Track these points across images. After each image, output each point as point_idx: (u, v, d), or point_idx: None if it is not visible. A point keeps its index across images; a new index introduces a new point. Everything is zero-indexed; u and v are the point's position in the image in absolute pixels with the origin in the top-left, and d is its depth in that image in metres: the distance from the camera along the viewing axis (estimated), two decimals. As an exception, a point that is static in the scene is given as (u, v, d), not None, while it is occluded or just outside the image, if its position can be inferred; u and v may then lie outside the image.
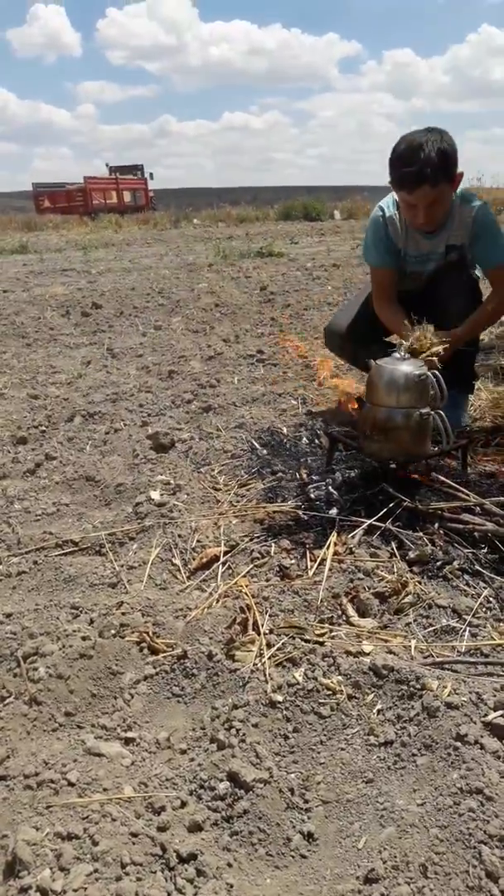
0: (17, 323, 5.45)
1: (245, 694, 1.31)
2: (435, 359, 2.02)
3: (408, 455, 1.97)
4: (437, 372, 1.96)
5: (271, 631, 1.48)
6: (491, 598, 1.57)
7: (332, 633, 1.48)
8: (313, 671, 1.35)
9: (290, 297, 6.08)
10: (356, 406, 2.14)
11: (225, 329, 4.86)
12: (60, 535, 2.00)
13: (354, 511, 1.90)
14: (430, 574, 1.66)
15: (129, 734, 1.28)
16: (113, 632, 1.51)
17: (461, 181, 2.26)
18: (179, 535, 1.93)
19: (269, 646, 1.43)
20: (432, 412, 1.94)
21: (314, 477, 2.15)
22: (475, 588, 1.61)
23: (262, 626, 1.49)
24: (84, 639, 1.47)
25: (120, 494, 2.26)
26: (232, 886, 0.98)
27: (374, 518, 1.83)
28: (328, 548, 1.75)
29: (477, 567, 1.66)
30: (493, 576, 1.63)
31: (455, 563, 1.67)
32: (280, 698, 1.29)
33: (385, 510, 1.84)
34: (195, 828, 1.08)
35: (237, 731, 1.22)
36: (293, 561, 1.75)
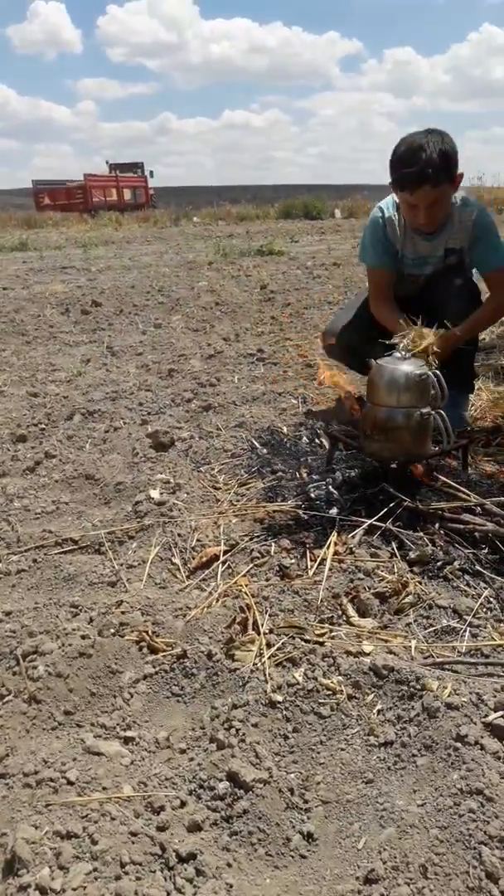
0: (17, 321, 5.45)
1: (245, 694, 1.31)
2: (433, 357, 2.02)
3: (408, 455, 1.97)
4: (437, 371, 1.96)
5: (271, 631, 1.48)
6: (491, 599, 1.57)
7: (333, 633, 1.48)
8: (313, 671, 1.34)
9: (290, 295, 6.08)
10: (357, 406, 2.14)
11: (225, 328, 4.85)
12: (60, 534, 2.00)
13: (355, 511, 1.90)
14: (430, 574, 1.65)
15: (129, 733, 1.28)
16: (112, 631, 1.51)
17: (461, 182, 2.27)
18: (179, 534, 1.93)
19: (268, 645, 1.43)
20: (433, 412, 1.94)
21: (314, 476, 2.15)
22: (476, 588, 1.61)
23: (262, 625, 1.49)
24: (83, 637, 1.47)
25: (119, 493, 2.26)
26: (231, 886, 0.98)
27: (375, 518, 1.82)
28: (328, 547, 1.75)
29: (477, 567, 1.66)
30: (493, 576, 1.63)
31: (456, 564, 1.67)
32: (280, 698, 1.29)
33: (385, 510, 1.84)
34: (195, 827, 1.07)
35: (237, 730, 1.22)
36: (293, 560, 1.75)
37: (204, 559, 1.82)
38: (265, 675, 1.34)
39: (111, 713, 1.33)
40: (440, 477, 1.95)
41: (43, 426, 2.98)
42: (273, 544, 1.83)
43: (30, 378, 3.82)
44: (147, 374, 3.76)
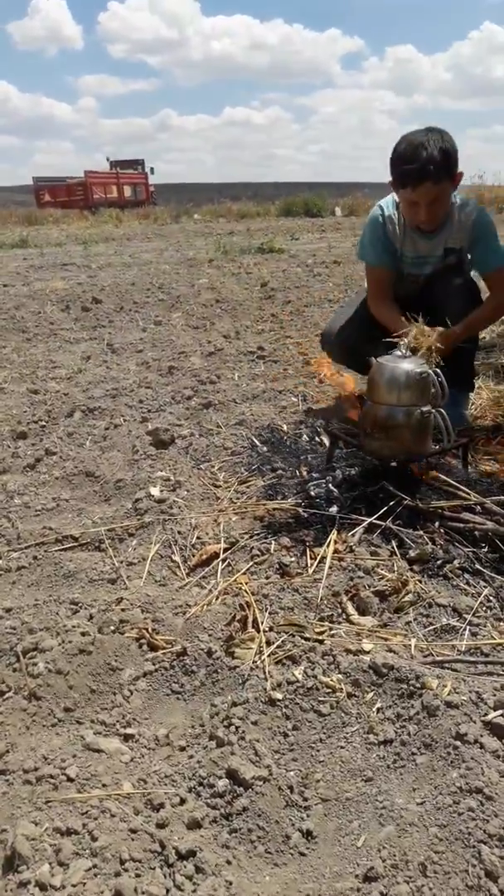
0: (17, 317, 5.44)
1: (244, 691, 1.31)
2: (435, 354, 2.02)
3: (409, 453, 1.97)
4: (438, 370, 1.96)
5: (271, 628, 1.48)
6: (491, 598, 1.57)
7: (332, 632, 1.48)
8: (313, 669, 1.35)
9: (290, 293, 6.07)
10: (357, 404, 2.14)
11: (225, 325, 4.85)
12: (60, 531, 2.00)
13: (355, 509, 1.90)
14: (430, 573, 1.66)
15: (129, 730, 1.28)
16: (112, 628, 1.51)
17: (461, 181, 2.28)
18: (179, 532, 1.93)
19: (268, 643, 1.43)
20: (433, 410, 1.93)
21: (314, 474, 2.15)
22: (475, 587, 1.61)
23: (262, 623, 1.49)
24: (83, 634, 1.47)
25: (119, 490, 2.25)
26: (231, 884, 0.98)
27: (375, 516, 1.82)
28: (328, 546, 1.75)
29: (477, 566, 1.66)
30: (493, 575, 1.63)
31: (455, 562, 1.67)
32: (279, 696, 1.29)
33: (385, 508, 1.84)
34: (194, 825, 1.08)
35: (236, 728, 1.22)
36: (293, 558, 1.75)
37: (204, 557, 1.82)
38: (265, 672, 1.35)
39: (111, 710, 1.33)
40: (440, 475, 1.95)
41: (43, 423, 2.98)
42: (273, 542, 1.83)
43: (30, 375, 3.81)
44: (147, 372, 3.75)
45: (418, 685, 1.27)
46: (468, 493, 1.86)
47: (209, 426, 2.78)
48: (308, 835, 1.07)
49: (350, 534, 1.80)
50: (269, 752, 1.19)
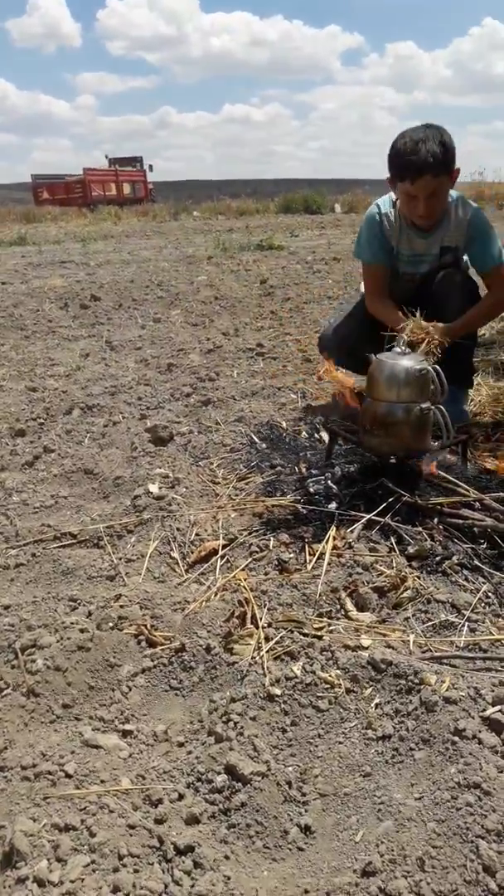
0: (16, 315, 5.43)
1: (243, 687, 1.31)
2: (431, 346, 2.02)
3: (408, 450, 1.97)
4: (437, 367, 1.96)
5: (270, 624, 1.48)
6: (490, 594, 1.57)
7: (331, 627, 1.48)
8: (311, 665, 1.35)
9: (290, 290, 6.07)
10: (357, 401, 2.13)
11: (224, 322, 4.84)
12: (59, 528, 2.00)
13: (354, 505, 1.90)
14: (429, 569, 1.66)
15: (127, 726, 1.28)
16: (111, 624, 1.51)
17: (458, 177, 2.31)
18: (178, 529, 1.93)
19: (267, 639, 1.43)
20: (433, 407, 1.93)
21: (313, 471, 2.15)
22: (474, 583, 1.61)
23: (261, 619, 1.49)
24: (82, 631, 1.47)
25: (118, 487, 2.25)
26: (229, 878, 0.98)
27: (374, 513, 1.82)
28: (327, 542, 1.75)
29: (476, 562, 1.66)
30: (492, 571, 1.63)
31: (454, 559, 1.67)
32: (278, 692, 1.29)
33: (384, 505, 1.84)
34: (192, 820, 1.08)
35: (235, 724, 1.22)
36: (292, 555, 1.75)
37: (203, 553, 1.82)
38: (263, 668, 1.35)
39: (109, 706, 1.33)
40: (439, 472, 1.95)
41: (42, 421, 2.97)
42: (272, 538, 1.83)
43: (28, 372, 3.81)
44: (146, 369, 3.75)
45: (417, 681, 1.27)
46: (467, 490, 1.86)
47: (208, 423, 2.78)
48: (306, 830, 1.07)
49: (349, 530, 1.80)
50: (267, 747, 1.19)
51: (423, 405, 1.92)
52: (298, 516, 1.92)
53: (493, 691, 1.23)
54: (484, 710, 1.19)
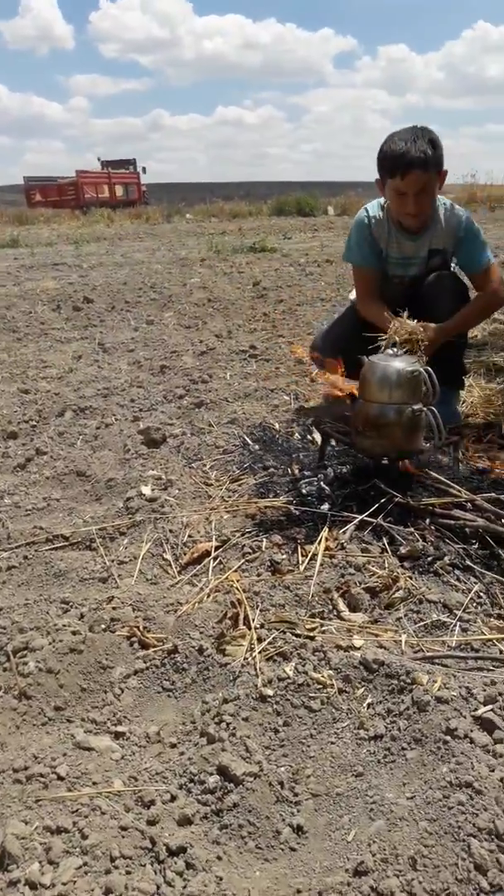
0: (8, 317, 5.42)
1: (235, 688, 1.31)
2: (421, 347, 2.03)
3: (400, 451, 1.98)
4: (429, 368, 1.96)
5: (262, 625, 1.48)
6: (481, 594, 1.58)
7: (323, 628, 1.48)
8: (304, 665, 1.35)
9: (282, 292, 6.08)
10: (348, 401, 2.14)
11: (217, 324, 4.85)
12: (51, 530, 1.99)
13: (346, 506, 1.91)
14: (420, 569, 1.66)
15: (119, 728, 1.28)
16: (103, 626, 1.51)
17: (445, 179, 2.35)
18: (170, 531, 1.93)
19: (259, 640, 1.43)
20: (424, 408, 1.94)
21: (306, 472, 2.15)
22: (466, 583, 1.61)
23: (253, 620, 1.49)
24: (74, 633, 1.47)
25: (111, 489, 2.25)
26: (221, 879, 0.98)
27: (366, 513, 1.83)
28: (319, 543, 1.75)
29: (467, 562, 1.67)
30: (483, 571, 1.64)
31: (446, 559, 1.68)
32: (270, 692, 1.29)
33: (377, 506, 1.84)
34: (185, 821, 1.08)
35: (227, 724, 1.22)
36: (284, 556, 1.75)
37: (195, 555, 1.82)
38: (256, 669, 1.35)
39: (102, 708, 1.33)
40: (431, 473, 1.96)
41: (34, 423, 2.97)
42: (264, 540, 1.83)
43: (21, 375, 3.80)
44: (139, 371, 3.75)
45: (409, 681, 1.27)
46: (459, 491, 1.87)
47: (201, 425, 2.78)
48: (298, 830, 1.07)
49: (341, 531, 1.80)
50: (259, 748, 1.19)
51: (415, 406, 1.92)
52: (291, 517, 1.93)
53: (484, 690, 1.23)
54: (475, 710, 1.19)
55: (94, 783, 1.14)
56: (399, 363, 1.94)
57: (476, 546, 1.72)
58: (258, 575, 1.69)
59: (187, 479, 2.26)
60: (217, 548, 1.83)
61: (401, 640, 1.43)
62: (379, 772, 1.14)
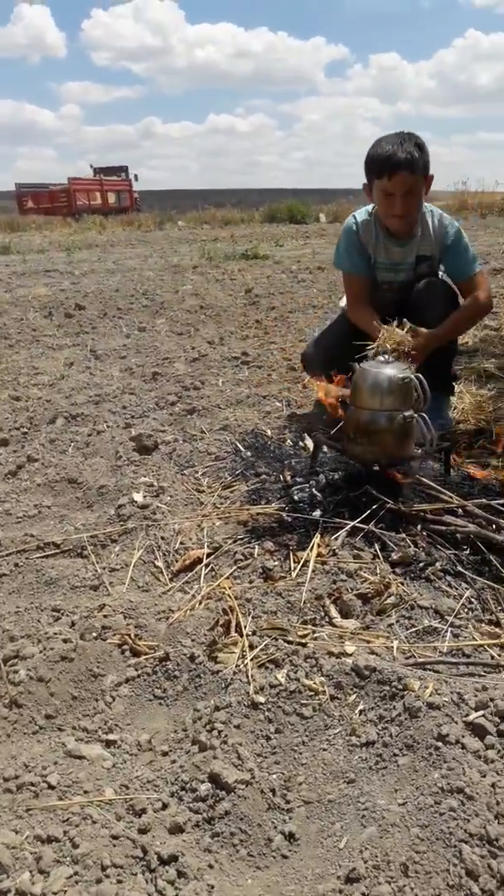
0: (0, 324, 5.41)
1: (227, 695, 1.31)
2: (405, 350, 2.04)
3: (391, 457, 1.98)
4: (420, 375, 1.97)
5: (254, 632, 1.48)
6: (473, 599, 1.58)
7: (315, 635, 1.48)
8: (296, 672, 1.35)
9: (274, 299, 6.09)
10: (340, 409, 2.15)
11: (209, 331, 4.85)
12: (42, 538, 1.99)
13: (338, 513, 1.91)
14: (412, 575, 1.66)
15: (111, 736, 1.27)
16: (94, 634, 1.51)
17: (431, 184, 2.38)
18: (162, 538, 1.93)
19: (251, 647, 1.43)
20: (415, 415, 1.95)
21: (298, 479, 2.15)
22: (457, 589, 1.62)
23: (245, 627, 1.49)
24: (65, 641, 1.46)
25: (102, 496, 2.25)
26: (213, 887, 0.98)
27: (358, 520, 1.83)
28: (311, 549, 1.75)
29: (459, 568, 1.67)
30: (474, 577, 1.64)
31: (437, 565, 1.68)
32: (262, 699, 1.29)
33: (368, 512, 1.85)
34: (176, 829, 1.07)
35: (219, 732, 1.22)
36: (276, 562, 1.75)
37: (187, 562, 1.81)
38: (248, 676, 1.35)
39: (93, 717, 1.32)
40: (422, 479, 1.97)
41: (25, 430, 2.96)
42: (256, 546, 1.83)
43: (12, 381, 3.79)
44: (131, 378, 3.75)
45: (400, 687, 1.27)
46: (450, 497, 1.87)
47: (193, 432, 2.78)
48: (290, 837, 1.07)
49: (333, 537, 1.80)
50: (251, 755, 1.19)
51: (406, 413, 1.93)
52: (283, 524, 1.93)
53: (476, 696, 1.23)
54: (467, 715, 1.19)
55: (86, 792, 1.13)
56: (390, 370, 1.95)
57: (467, 552, 1.73)
58: (250, 582, 1.69)
59: (179, 486, 2.26)
60: (209, 555, 1.83)
61: (392, 647, 1.43)
62: (371, 778, 1.14)
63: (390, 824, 1.03)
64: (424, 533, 1.79)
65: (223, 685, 1.35)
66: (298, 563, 1.73)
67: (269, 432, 2.70)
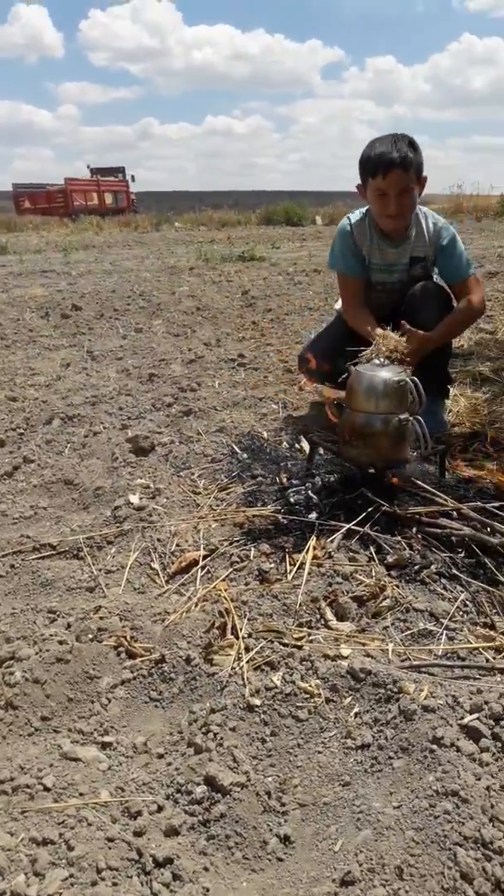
0: (-4, 324, 5.41)
1: (223, 698, 1.31)
2: (400, 354, 2.04)
3: (386, 460, 1.99)
4: (415, 378, 1.98)
5: (250, 635, 1.48)
6: (468, 602, 1.59)
7: (311, 637, 1.48)
8: (291, 675, 1.35)
9: (271, 301, 6.10)
10: (336, 411, 2.15)
11: (206, 333, 4.86)
12: (38, 539, 1.98)
13: (334, 515, 1.91)
14: (407, 578, 1.67)
15: (106, 738, 1.27)
16: (90, 636, 1.51)
17: (425, 185, 2.40)
18: (158, 539, 1.93)
19: (247, 650, 1.43)
20: (410, 418, 1.96)
21: (294, 481, 2.16)
22: (452, 592, 1.62)
23: (241, 630, 1.49)
24: (61, 643, 1.46)
25: (98, 498, 2.25)
26: (208, 890, 0.98)
27: (353, 522, 1.84)
28: (307, 552, 1.76)
29: (454, 571, 1.68)
30: (469, 579, 1.65)
31: (433, 567, 1.69)
32: (258, 702, 1.29)
33: (364, 514, 1.85)
34: (172, 832, 1.07)
35: (215, 735, 1.22)
36: (272, 565, 1.76)
37: (183, 564, 1.82)
38: (243, 679, 1.35)
39: (89, 719, 1.32)
40: (417, 482, 1.97)
41: (21, 431, 2.96)
42: (252, 549, 1.83)
43: (8, 382, 3.79)
44: (127, 379, 3.75)
45: (395, 690, 1.27)
46: (445, 500, 1.88)
47: (189, 433, 2.78)
48: (285, 840, 1.07)
49: (329, 540, 1.81)
50: (247, 758, 1.19)
51: (402, 416, 1.94)
52: (279, 526, 1.93)
53: (471, 699, 1.24)
54: (462, 718, 1.20)
55: (81, 794, 1.13)
56: (385, 373, 1.96)
57: (462, 555, 1.73)
58: (246, 584, 1.69)
59: (175, 488, 2.26)
60: (205, 557, 1.83)
61: (388, 649, 1.43)
62: (366, 781, 1.14)
63: (385, 827, 1.04)
64: (420, 536, 1.80)
65: (219, 687, 1.35)
66: (294, 565, 1.73)
67: (265, 434, 2.70)
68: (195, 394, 3.35)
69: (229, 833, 1.07)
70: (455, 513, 1.84)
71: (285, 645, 1.44)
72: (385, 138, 2.31)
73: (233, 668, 1.38)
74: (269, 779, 1.16)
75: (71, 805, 1.10)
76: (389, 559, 1.72)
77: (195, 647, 1.46)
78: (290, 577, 1.70)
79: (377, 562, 1.72)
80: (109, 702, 1.36)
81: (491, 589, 1.62)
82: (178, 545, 1.90)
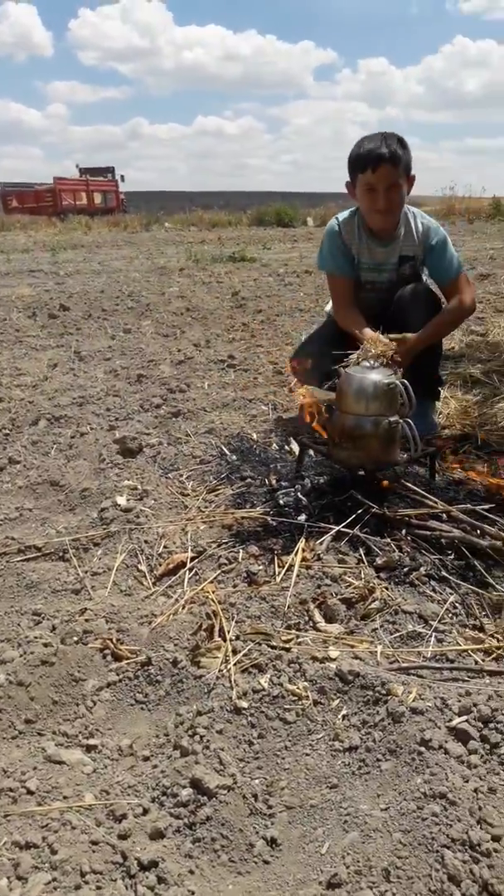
0: (-16, 324, 5.37)
1: (210, 700, 1.30)
2: (388, 358, 2.04)
3: (376, 462, 1.99)
4: (405, 381, 1.98)
5: (237, 637, 1.47)
6: (457, 604, 1.59)
7: (299, 639, 1.48)
8: (279, 677, 1.34)
9: (261, 302, 6.10)
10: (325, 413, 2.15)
11: (196, 333, 4.85)
12: (23, 541, 1.96)
13: (323, 517, 1.91)
14: (396, 580, 1.67)
15: (91, 741, 1.26)
16: (76, 638, 1.49)
17: (413, 184, 2.41)
18: (146, 541, 1.92)
19: (234, 652, 1.42)
20: (401, 420, 1.95)
21: (283, 483, 2.15)
22: (441, 594, 1.62)
23: (229, 632, 1.48)
24: (46, 645, 1.45)
25: (85, 499, 2.23)
26: (193, 893, 0.97)
27: (343, 524, 1.83)
28: (296, 554, 1.75)
29: (443, 573, 1.68)
30: (459, 582, 1.65)
31: (422, 570, 1.69)
32: (245, 704, 1.28)
33: (353, 516, 1.85)
34: (157, 835, 1.06)
35: (201, 737, 1.21)
36: (261, 567, 1.75)
37: (171, 566, 1.80)
38: (231, 681, 1.34)
39: (73, 721, 1.31)
40: (407, 484, 1.97)
41: (7, 431, 2.93)
42: (241, 551, 1.82)
43: (-4, 382, 3.76)
44: (115, 380, 3.73)
45: (384, 692, 1.27)
46: (435, 502, 1.88)
47: (178, 435, 2.77)
48: (272, 842, 1.06)
49: (318, 542, 1.80)
50: (233, 760, 1.18)
51: (392, 418, 1.94)
52: (268, 528, 1.92)
53: (459, 701, 1.24)
54: (450, 721, 1.20)
55: (65, 797, 1.12)
56: (375, 375, 1.96)
57: (452, 557, 1.73)
58: (234, 586, 1.68)
59: (163, 490, 2.25)
60: (193, 559, 1.82)
61: (376, 651, 1.43)
62: (353, 783, 1.14)
63: (372, 829, 1.03)
64: (409, 538, 1.80)
65: (206, 690, 1.34)
66: (283, 567, 1.73)
67: (254, 436, 2.70)
68: (184, 395, 3.34)
69: (215, 836, 1.06)
70: (445, 515, 1.84)
71: (273, 647, 1.44)
72: (374, 136, 2.33)
73: (220, 671, 1.37)
74: (256, 781, 1.15)
75: (55, 808, 1.09)
76: (379, 561, 1.71)
77: (182, 650, 1.45)
78: (278, 579, 1.69)
79: (366, 564, 1.71)
80: (95, 704, 1.35)
81: (480, 591, 1.62)
82: (165, 547, 1.89)
